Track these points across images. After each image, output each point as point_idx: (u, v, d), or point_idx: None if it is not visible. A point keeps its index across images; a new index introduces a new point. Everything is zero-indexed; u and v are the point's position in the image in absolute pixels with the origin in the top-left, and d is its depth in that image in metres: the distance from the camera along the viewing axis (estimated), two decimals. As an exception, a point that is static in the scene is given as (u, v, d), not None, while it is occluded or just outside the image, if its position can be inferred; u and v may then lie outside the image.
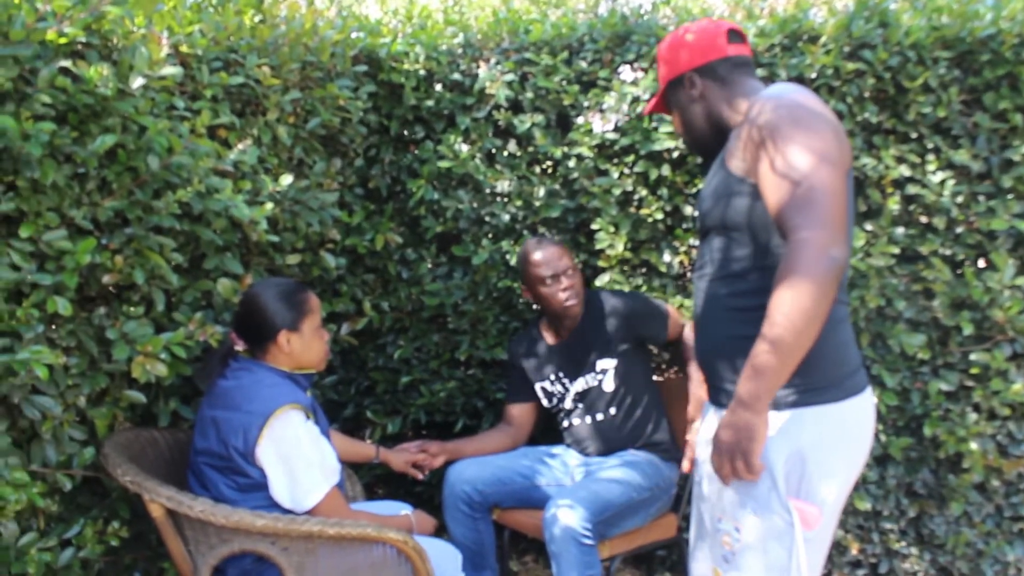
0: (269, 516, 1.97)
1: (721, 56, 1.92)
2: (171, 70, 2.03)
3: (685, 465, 2.59)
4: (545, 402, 2.98)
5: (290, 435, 2.06)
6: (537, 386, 2.97)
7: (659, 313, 2.87)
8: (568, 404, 2.91)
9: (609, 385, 2.85)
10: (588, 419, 2.88)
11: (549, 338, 2.97)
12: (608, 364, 2.84)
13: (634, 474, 2.70)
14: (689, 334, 2.92)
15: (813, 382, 1.69)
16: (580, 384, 2.88)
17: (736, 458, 1.64)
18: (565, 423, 2.95)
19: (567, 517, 2.46)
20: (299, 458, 2.07)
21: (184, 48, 2.36)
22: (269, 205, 2.33)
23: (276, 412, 2.05)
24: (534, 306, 3.21)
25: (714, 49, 1.92)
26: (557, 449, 2.99)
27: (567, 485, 2.84)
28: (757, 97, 1.77)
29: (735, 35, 1.94)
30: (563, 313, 2.84)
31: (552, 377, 2.92)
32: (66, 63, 1.87)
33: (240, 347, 2.22)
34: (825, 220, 1.53)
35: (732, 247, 1.80)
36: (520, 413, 3.03)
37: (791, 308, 1.53)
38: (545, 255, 2.82)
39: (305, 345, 2.21)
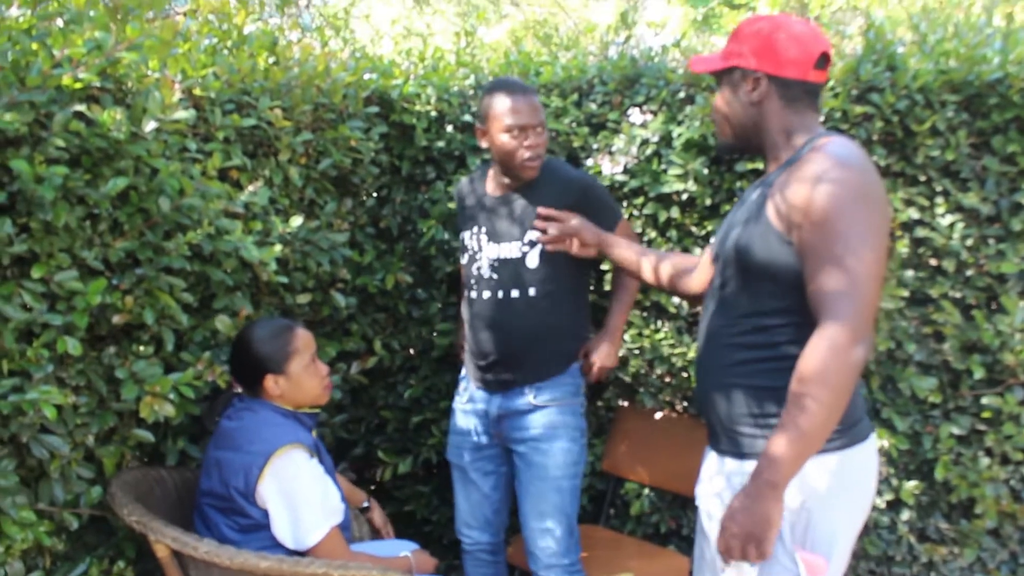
0: (273, 558, 1.97)
1: (800, 78, 1.77)
2: (184, 114, 2.06)
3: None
4: (463, 259, 2.73)
5: (292, 473, 2.07)
6: (462, 235, 2.74)
7: (613, 213, 2.63)
8: (485, 271, 2.62)
9: (533, 261, 2.56)
10: (501, 294, 2.58)
11: (490, 187, 2.67)
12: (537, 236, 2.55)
13: (568, 460, 2.57)
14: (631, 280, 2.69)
15: None
16: (504, 250, 2.59)
17: (749, 544, 1.60)
18: (474, 293, 2.65)
19: (551, 566, 2.55)
20: (301, 496, 2.07)
21: (197, 91, 2.40)
22: (279, 247, 2.34)
23: (278, 451, 2.06)
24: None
25: (798, 67, 1.76)
26: (461, 410, 2.78)
27: (488, 443, 2.72)
28: (817, 151, 1.67)
29: (823, 61, 1.78)
30: (519, 171, 2.52)
31: (474, 229, 2.68)
32: (80, 107, 1.91)
33: (238, 389, 2.23)
34: (858, 312, 1.54)
35: (751, 292, 1.76)
36: None
37: (813, 404, 1.54)
38: (519, 103, 2.47)
39: (295, 385, 2.20)
